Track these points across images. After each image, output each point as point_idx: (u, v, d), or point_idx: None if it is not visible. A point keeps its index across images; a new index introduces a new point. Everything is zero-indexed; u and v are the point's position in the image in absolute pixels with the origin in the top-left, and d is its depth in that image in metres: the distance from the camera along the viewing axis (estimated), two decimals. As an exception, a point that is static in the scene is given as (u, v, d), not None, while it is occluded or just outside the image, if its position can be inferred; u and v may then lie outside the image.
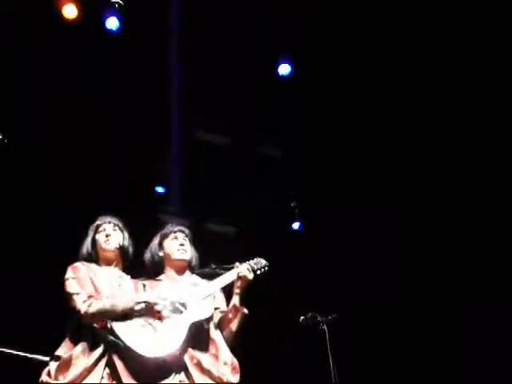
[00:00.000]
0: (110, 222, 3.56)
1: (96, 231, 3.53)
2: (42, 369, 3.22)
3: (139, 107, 5.83)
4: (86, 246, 3.52)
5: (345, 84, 5.79)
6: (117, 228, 3.55)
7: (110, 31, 5.19)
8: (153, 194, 6.40)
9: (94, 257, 3.49)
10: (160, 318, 3.26)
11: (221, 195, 6.37)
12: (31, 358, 3.55)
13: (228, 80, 5.74)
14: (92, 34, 5.24)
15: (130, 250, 3.59)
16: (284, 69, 5.60)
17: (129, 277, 3.51)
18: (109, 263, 3.49)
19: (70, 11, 5.08)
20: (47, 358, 3.33)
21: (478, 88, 5.63)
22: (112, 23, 5.16)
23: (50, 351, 3.25)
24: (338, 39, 5.54)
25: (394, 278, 6.36)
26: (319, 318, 3.79)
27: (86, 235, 3.56)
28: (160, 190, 6.40)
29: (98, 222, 3.57)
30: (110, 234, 3.49)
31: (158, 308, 3.27)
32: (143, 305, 3.24)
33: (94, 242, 3.51)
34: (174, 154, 6.25)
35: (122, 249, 3.52)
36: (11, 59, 5.26)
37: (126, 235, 3.58)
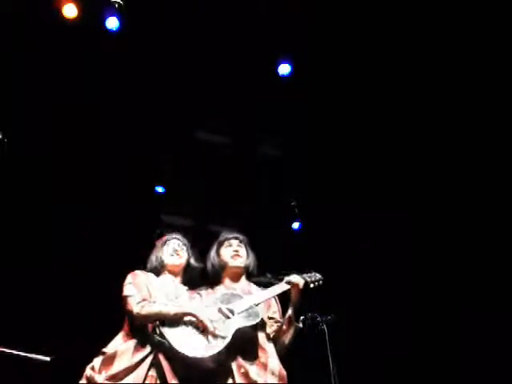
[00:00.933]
0: (178, 239, 3.77)
1: (162, 246, 3.74)
2: (42, 369, 3.25)
3: (139, 107, 5.83)
4: (154, 260, 3.70)
5: (345, 84, 5.78)
6: (184, 247, 3.75)
7: (110, 31, 5.18)
8: (153, 194, 6.41)
9: (158, 270, 3.67)
10: (205, 329, 3.28)
11: (220, 196, 6.39)
12: (31, 358, 3.57)
13: (228, 80, 5.74)
14: (92, 33, 5.23)
15: (195, 269, 3.75)
16: (284, 69, 5.59)
17: (186, 288, 3.65)
18: (173, 274, 3.66)
19: (69, 11, 5.07)
20: (47, 358, 3.37)
21: (479, 87, 5.61)
22: (112, 23, 5.15)
23: (49, 351, 3.27)
24: (339, 39, 5.53)
25: (393, 278, 6.36)
26: (319, 318, 3.78)
27: (153, 249, 3.77)
28: (160, 189, 6.40)
29: (166, 237, 3.78)
30: (177, 250, 3.69)
31: (204, 319, 3.30)
32: (191, 317, 3.33)
33: (158, 255, 3.70)
34: (174, 154, 6.26)
35: (187, 265, 3.72)
36: (11, 59, 5.26)
37: (192, 254, 3.76)
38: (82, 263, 5.81)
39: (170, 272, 3.67)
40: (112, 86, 5.65)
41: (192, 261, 3.73)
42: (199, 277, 3.75)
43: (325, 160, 6.29)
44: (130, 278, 3.55)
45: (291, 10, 5.29)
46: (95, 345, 3.43)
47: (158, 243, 3.77)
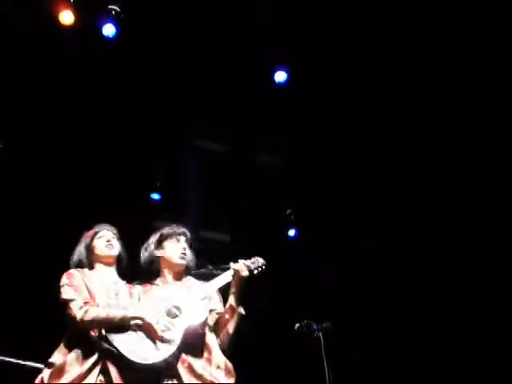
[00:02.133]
0: (108, 230, 3.58)
1: (93, 238, 3.53)
2: (35, 376, 3.21)
3: (136, 113, 5.83)
4: (80, 252, 3.51)
5: (341, 90, 5.81)
6: (115, 236, 3.58)
7: (106, 38, 5.19)
8: (148, 201, 6.40)
9: (88, 264, 3.48)
10: (153, 331, 3.19)
11: (217, 202, 6.39)
12: (24, 365, 3.54)
13: (225, 87, 5.75)
14: (89, 40, 5.24)
15: (125, 259, 3.58)
16: (280, 76, 5.61)
17: (124, 282, 3.49)
18: (107, 266, 3.49)
19: (66, 17, 5.08)
20: (40, 365, 3.31)
21: (479, 87, 5.63)
22: (109, 30, 5.16)
23: (42, 358, 3.23)
24: (335, 47, 5.56)
25: (393, 279, 6.36)
26: (314, 326, 3.78)
27: (77, 243, 3.56)
28: (155, 196, 6.39)
29: (95, 230, 3.57)
30: (111, 240, 3.52)
31: (151, 323, 3.20)
32: (138, 321, 3.21)
33: (89, 248, 3.50)
34: (171, 161, 6.26)
35: (119, 256, 3.53)
36: (8, 65, 5.26)
37: (122, 245, 3.59)
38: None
39: (105, 264, 3.50)
40: (109, 93, 5.65)
41: (122, 252, 3.56)
42: (129, 268, 3.59)
43: (324, 160, 6.29)
44: (65, 278, 3.33)
45: (288, 19, 5.31)
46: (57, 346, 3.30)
47: (87, 235, 3.56)
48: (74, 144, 5.81)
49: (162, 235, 3.60)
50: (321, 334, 3.74)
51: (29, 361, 3.60)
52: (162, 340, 3.18)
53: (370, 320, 6.30)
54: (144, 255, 3.58)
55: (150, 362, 3.10)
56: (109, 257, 3.50)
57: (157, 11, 5.28)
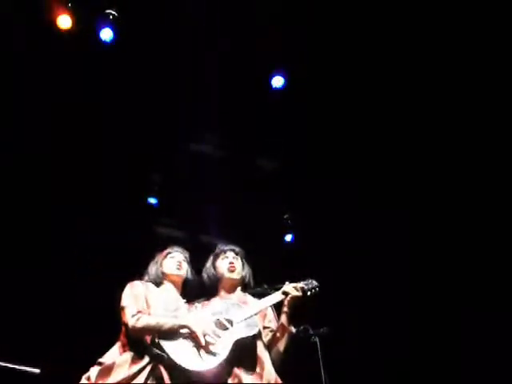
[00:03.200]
0: (180, 253, 3.79)
1: (165, 257, 3.75)
2: (31, 381, 3.22)
3: (134, 118, 5.83)
4: (156, 268, 3.71)
5: (339, 92, 5.82)
6: (186, 260, 3.78)
7: (104, 42, 5.19)
8: (145, 205, 6.40)
9: (156, 281, 3.67)
10: (201, 343, 3.27)
11: (215, 207, 6.38)
12: (20, 370, 3.54)
13: (223, 91, 5.75)
14: (86, 44, 5.24)
15: (193, 284, 3.77)
16: (277, 81, 5.61)
17: (184, 300, 3.64)
18: (173, 286, 3.67)
19: (64, 22, 5.08)
20: (37, 370, 3.34)
21: (478, 87, 5.63)
22: (106, 34, 5.16)
23: (37, 363, 3.25)
24: (333, 50, 5.56)
25: (392, 284, 6.36)
26: (311, 331, 3.78)
27: (153, 259, 3.77)
28: (152, 201, 6.39)
29: (169, 250, 3.79)
30: (181, 262, 3.72)
31: (198, 332, 3.29)
32: (186, 330, 3.33)
33: (159, 266, 3.72)
34: (168, 165, 6.26)
35: (186, 280, 3.73)
36: (6, 69, 5.26)
37: (191, 269, 3.79)
38: (71, 276, 5.80)
39: (171, 283, 3.69)
40: (107, 97, 5.65)
41: (190, 275, 3.76)
42: (195, 291, 3.76)
43: (322, 164, 6.30)
44: (128, 288, 3.53)
45: (287, 22, 5.32)
46: (85, 357, 3.40)
47: (159, 255, 3.78)
48: (72, 147, 5.82)
49: (213, 256, 3.81)
50: (317, 340, 3.73)
51: (26, 366, 3.60)
52: (209, 351, 3.25)
53: (367, 325, 6.29)
54: (205, 279, 3.77)
55: (196, 369, 3.17)
56: (176, 276, 3.68)
57: (154, 15, 5.28)
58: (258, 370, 3.33)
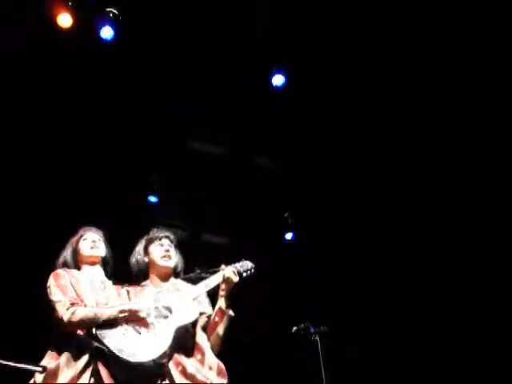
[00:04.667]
0: (94, 232, 3.63)
1: (78, 241, 3.58)
2: (26, 378, 3.20)
3: (134, 116, 5.83)
4: (66, 254, 3.56)
5: (339, 93, 5.83)
6: (101, 239, 3.63)
7: (104, 40, 5.19)
8: (145, 204, 6.39)
9: (74, 266, 3.52)
10: (145, 325, 3.24)
11: (214, 205, 6.39)
12: (24, 369, 3.53)
13: (223, 90, 5.76)
14: (86, 43, 5.24)
15: (111, 262, 3.64)
16: (278, 80, 5.61)
17: (111, 282, 3.53)
18: (92, 267, 3.53)
19: (64, 20, 5.08)
20: (40, 368, 3.30)
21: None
22: (106, 33, 5.16)
23: (33, 360, 3.22)
24: (333, 51, 5.57)
25: (392, 282, 6.38)
26: (312, 329, 3.78)
27: (64, 245, 3.62)
28: (153, 199, 6.39)
29: (81, 233, 3.63)
30: (96, 242, 3.57)
31: (142, 315, 3.25)
32: (127, 313, 3.23)
33: (75, 251, 3.56)
34: (168, 164, 6.27)
35: (105, 259, 3.60)
36: (5, 68, 5.25)
37: (108, 247, 3.66)
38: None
39: (90, 264, 3.53)
40: (106, 96, 5.65)
41: (108, 254, 3.63)
42: (112, 270, 3.65)
43: (322, 164, 6.32)
44: (52, 279, 3.35)
45: (287, 22, 5.33)
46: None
47: (73, 240, 3.62)
48: (71, 146, 5.81)
49: (146, 240, 3.67)
50: (318, 338, 3.74)
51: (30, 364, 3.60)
52: (152, 339, 3.19)
53: (367, 323, 6.31)
54: (133, 262, 3.65)
55: (139, 360, 3.11)
56: (94, 257, 3.54)
57: (155, 14, 5.28)
58: (198, 356, 3.31)
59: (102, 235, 3.66)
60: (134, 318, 3.23)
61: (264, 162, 6.40)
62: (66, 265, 3.51)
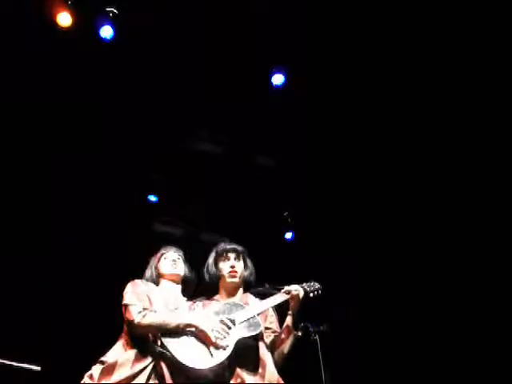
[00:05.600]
0: (174, 252, 3.79)
1: (159, 259, 3.76)
2: (32, 378, 3.22)
3: (134, 115, 5.83)
4: (151, 270, 3.73)
5: (339, 92, 5.83)
6: (181, 257, 3.78)
7: (104, 40, 5.19)
8: (145, 203, 6.40)
9: (156, 281, 3.68)
10: (209, 341, 3.28)
11: (213, 205, 6.39)
12: (21, 368, 3.53)
13: (223, 90, 5.75)
14: (86, 42, 5.23)
15: (192, 282, 3.79)
16: (278, 79, 5.61)
17: (185, 299, 3.66)
18: (171, 284, 3.68)
19: (64, 19, 5.08)
20: (37, 368, 3.34)
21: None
22: (106, 32, 5.16)
23: (38, 360, 3.24)
24: (333, 50, 5.57)
25: (392, 280, 6.37)
26: (311, 328, 3.77)
27: (148, 262, 3.79)
28: (153, 198, 6.39)
29: (162, 251, 3.80)
30: (176, 261, 3.72)
31: (205, 332, 3.29)
32: (193, 328, 3.33)
33: (155, 268, 3.73)
34: (168, 163, 6.27)
35: (184, 278, 3.75)
36: (5, 67, 5.25)
37: (188, 267, 3.80)
38: (71, 274, 5.80)
39: (169, 281, 3.69)
40: (106, 94, 5.65)
41: (187, 273, 3.76)
42: (194, 289, 3.76)
43: (322, 162, 6.31)
44: (129, 286, 3.54)
45: (287, 21, 5.32)
46: (86, 354, 3.40)
47: (154, 258, 3.79)
48: (70, 146, 5.81)
49: (215, 255, 3.77)
50: (317, 337, 3.73)
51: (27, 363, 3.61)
52: (214, 349, 3.26)
53: (367, 324, 6.30)
54: (206, 278, 3.76)
55: (199, 367, 3.18)
56: (173, 275, 3.69)
57: (154, 13, 5.28)
58: (260, 370, 3.34)
59: (182, 254, 3.80)
60: (198, 333, 3.33)
61: (264, 161, 6.39)
62: (148, 279, 3.68)
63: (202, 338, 3.29)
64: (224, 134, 6.24)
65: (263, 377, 3.32)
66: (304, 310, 3.77)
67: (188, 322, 3.33)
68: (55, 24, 5.07)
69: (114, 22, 5.14)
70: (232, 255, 3.72)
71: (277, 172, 6.37)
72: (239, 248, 3.79)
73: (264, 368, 3.36)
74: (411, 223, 6.43)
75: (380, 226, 6.48)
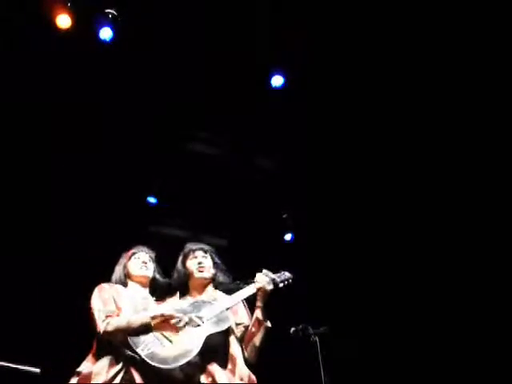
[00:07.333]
0: (146, 253, 3.74)
1: (130, 258, 3.71)
2: (31, 381, 3.23)
3: (133, 117, 5.83)
4: (119, 271, 3.68)
5: (339, 92, 5.83)
6: (151, 259, 3.74)
7: (103, 41, 5.19)
8: (144, 205, 6.40)
9: (123, 282, 3.64)
10: (176, 330, 3.28)
11: (213, 206, 6.39)
12: (20, 370, 3.54)
13: (223, 90, 5.75)
14: (85, 44, 5.24)
15: (160, 283, 3.73)
16: (277, 80, 5.61)
17: (153, 299, 3.63)
18: (140, 286, 3.64)
19: (63, 21, 5.08)
20: (37, 370, 3.35)
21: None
22: (105, 33, 5.16)
23: (38, 362, 3.25)
24: (333, 50, 5.57)
25: (392, 278, 6.37)
26: (310, 330, 3.78)
27: (117, 263, 3.74)
28: (152, 200, 6.40)
29: (134, 251, 3.74)
30: (146, 262, 3.68)
31: (173, 321, 3.30)
32: (159, 319, 3.30)
33: (124, 267, 3.68)
34: (167, 165, 6.27)
35: (153, 279, 3.70)
36: (4, 69, 5.26)
37: (158, 268, 3.76)
38: (71, 274, 5.81)
39: (138, 283, 3.65)
40: (105, 96, 5.65)
41: (157, 275, 3.73)
42: (164, 291, 3.73)
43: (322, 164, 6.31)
44: (96, 292, 3.51)
45: (287, 22, 5.33)
46: (85, 357, 3.39)
47: (124, 256, 3.74)
48: (70, 146, 5.82)
49: (182, 255, 3.76)
50: (317, 339, 3.73)
51: (27, 365, 3.62)
52: (182, 347, 3.24)
53: (368, 324, 6.31)
54: (175, 278, 3.73)
55: (168, 366, 3.17)
56: (142, 277, 3.65)
57: (154, 15, 5.28)
58: (230, 366, 3.32)
59: (153, 255, 3.76)
60: (166, 325, 3.31)
61: (263, 162, 6.40)
62: (117, 281, 3.64)
63: (170, 328, 3.29)
64: (224, 135, 6.25)
65: (234, 373, 3.31)
66: (304, 311, 3.77)
67: (152, 315, 3.31)
68: (55, 26, 5.07)
69: (114, 24, 5.13)
70: (199, 253, 3.71)
71: (276, 174, 6.37)
72: (206, 247, 3.79)
73: (234, 364, 3.34)
74: (411, 223, 6.43)
75: (380, 225, 6.48)
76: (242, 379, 3.32)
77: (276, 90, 5.64)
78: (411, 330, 6.29)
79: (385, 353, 6.25)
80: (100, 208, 6.04)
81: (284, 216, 6.66)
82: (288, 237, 6.72)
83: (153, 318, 3.29)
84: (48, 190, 5.92)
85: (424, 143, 6.08)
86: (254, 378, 3.40)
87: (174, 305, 3.53)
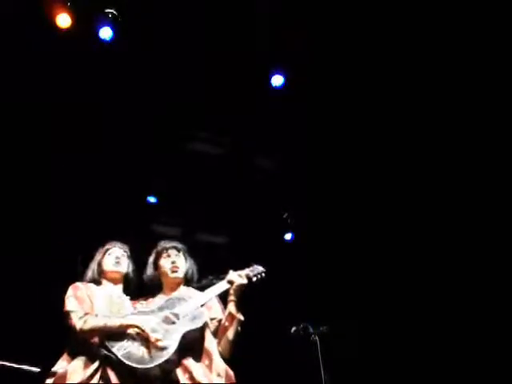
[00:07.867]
0: (120, 248, 3.71)
1: (104, 254, 3.67)
2: (31, 380, 3.22)
3: (133, 117, 5.83)
4: (93, 268, 3.65)
5: (339, 92, 5.83)
6: (125, 254, 3.71)
7: (103, 41, 5.19)
8: (145, 204, 6.40)
9: (96, 279, 3.61)
10: (151, 340, 3.25)
11: (213, 206, 6.39)
12: (20, 369, 3.54)
13: (223, 90, 5.75)
14: (85, 43, 5.24)
15: (134, 279, 3.71)
16: (277, 80, 5.61)
17: (128, 298, 3.60)
18: (113, 283, 3.61)
19: (63, 21, 5.08)
20: (37, 369, 3.34)
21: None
22: (105, 33, 5.16)
23: (37, 362, 3.25)
24: (333, 50, 5.57)
25: (392, 274, 6.37)
26: (311, 329, 3.78)
27: (92, 259, 3.70)
28: (152, 199, 6.39)
29: (107, 246, 3.71)
30: (120, 258, 3.65)
31: (147, 330, 3.27)
32: (135, 329, 3.29)
33: (99, 264, 3.64)
34: (168, 164, 6.27)
35: (127, 275, 3.67)
36: (5, 68, 5.25)
37: (131, 264, 3.72)
38: (71, 274, 5.79)
39: (111, 280, 3.63)
40: (106, 96, 5.65)
41: (130, 271, 3.70)
42: (136, 288, 3.72)
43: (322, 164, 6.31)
44: (70, 290, 3.48)
45: (287, 23, 5.33)
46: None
47: (99, 251, 3.71)
48: (70, 146, 5.81)
49: (155, 254, 3.73)
50: (317, 338, 3.73)
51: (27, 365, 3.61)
52: (158, 346, 3.23)
53: (368, 324, 6.30)
54: (146, 276, 3.71)
55: (145, 366, 3.16)
56: (115, 273, 3.62)
57: (154, 14, 5.28)
58: (206, 362, 3.33)
59: (127, 250, 3.73)
60: (139, 332, 3.29)
61: (263, 162, 6.39)
62: (90, 279, 3.61)
63: (144, 337, 3.27)
64: (224, 135, 6.24)
65: (210, 368, 3.31)
66: (304, 311, 3.76)
67: (129, 323, 3.30)
68: (55, 25, 5.07)
69: (114, 24, 5.13)
70: (173, 252, 3.70)
71: (276, 173, 6.37)
72: (179, 245, 3.77)
73: (211, 359, 3.34)
74: (411, 223, 6.42)
75: (380, 225, 6.47)
76: (218, 374, 3.32)
77: (276, 89, 5.64)
78: (411, 330, 6.27)
79: (385, 353, 6.24)
80: (100, 208, 6.03)
81: (284, 216, 6.66)
82: (288, 237, 6.71)
83: (127, 326, 3.29)
84: (48, 189, 5.92)
85: (424, 143, 6.07)
86: (231, 373, 3.40)
87: (149, 306, 3.52)
